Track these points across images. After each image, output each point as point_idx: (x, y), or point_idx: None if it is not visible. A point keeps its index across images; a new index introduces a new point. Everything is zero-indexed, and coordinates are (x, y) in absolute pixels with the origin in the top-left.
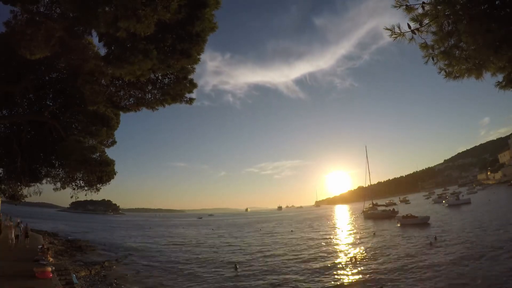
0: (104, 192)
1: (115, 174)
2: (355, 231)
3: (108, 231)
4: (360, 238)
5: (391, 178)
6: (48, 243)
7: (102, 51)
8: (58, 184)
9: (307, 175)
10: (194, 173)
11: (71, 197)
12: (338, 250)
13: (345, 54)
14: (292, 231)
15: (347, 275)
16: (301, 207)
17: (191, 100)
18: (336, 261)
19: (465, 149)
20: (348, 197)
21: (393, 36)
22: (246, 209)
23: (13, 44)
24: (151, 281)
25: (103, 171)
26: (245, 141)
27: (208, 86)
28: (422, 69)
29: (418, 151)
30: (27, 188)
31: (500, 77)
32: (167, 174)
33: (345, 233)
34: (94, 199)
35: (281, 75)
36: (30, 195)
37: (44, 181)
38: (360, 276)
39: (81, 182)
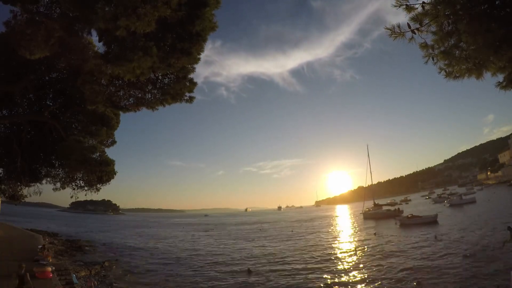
0: (104, 192)
1: (115, 174)
2: (356, 233)
3: (108, 231)
4: (362, 241)
5: (391, 178)
6: (48, 243)
7: (102, 51)
8: (58, 184)
9: (307, 175)
10: (191, 172)
11: (71, 197)
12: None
13: (345, 42)
14: (292, 231)
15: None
16: (301, 207)
17: (191, 99)
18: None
19: (467, 148)
20: (348, 197)
21: (393, 36)
22: (246, 209)
23: (13, 44)
24: (151, 281)
25: (103, 171)
26: (242, 138)
27: (199, 78)
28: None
29: (418, 151)
30: (27, 188)
31: (500, 77)
32: (163, 172)
33: (348, 236)
34: (94, 199)
35: (276, 65)
36: (30, 195)
37: (44, 181)
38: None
39: (81, 182)
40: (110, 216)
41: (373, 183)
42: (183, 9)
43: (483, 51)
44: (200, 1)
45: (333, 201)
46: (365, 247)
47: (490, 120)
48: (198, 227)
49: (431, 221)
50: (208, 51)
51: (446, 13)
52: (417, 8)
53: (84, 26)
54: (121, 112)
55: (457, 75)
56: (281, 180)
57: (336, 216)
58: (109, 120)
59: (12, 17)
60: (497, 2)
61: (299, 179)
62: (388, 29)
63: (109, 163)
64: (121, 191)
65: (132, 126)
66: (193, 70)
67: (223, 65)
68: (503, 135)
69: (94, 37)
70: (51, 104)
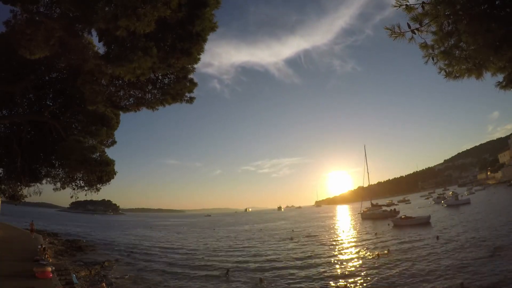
0: (104, 192)
1: (115, 174)
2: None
3: (108, 231)
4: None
5: (391, 178)
6: (48, 243)
7: (102, 51)
8: (58, 184)
9: (306, 174)
10: (188, 171)
11: (71, 197)
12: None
13: (345, 27)
14: (292, 230)
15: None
16: (300, 207)
17: (191, 99)
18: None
19: (470, 147)
20: (348, 197)
21: (393, 36)
22: (246, 210)
23: (13, 44)
24: (151, 281)
25: (103, 171)
26: (238, 136)
27: None
28: None
29: (418, 151)
30: (27, 188)
31: (500, 77)
32: (159, 171)
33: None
34: (94, 199)
35: (271, 54)
36: (30, 195)
37: (44, 181)
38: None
39: (81, 182)
40: (110, 216)
41: (373, 183)
42: (183, 9)
43: (483, 51)
44: (200, 1)
45: (333, 201)
46: (362, 247)
47: (495, 117)
48: (204, 229)
49: (424, 222)
50: None
51: (446, 13)
52: (417, 8)
53: (84, 26)
54: (121, 112)
55: (457, 75)
56: (280, 180)
57: (335, 216)
58: (109, 120)
59: (12, 17)
60: (497, 2)
61: (299, 178)
62: (388, 29)
63: (109, 163)
64: (121, 191)
65: (126, 125)
66: (193, 70)
67: (214, 54)
68: (508, 133)
69: (94, 37)
70: (51, 104)
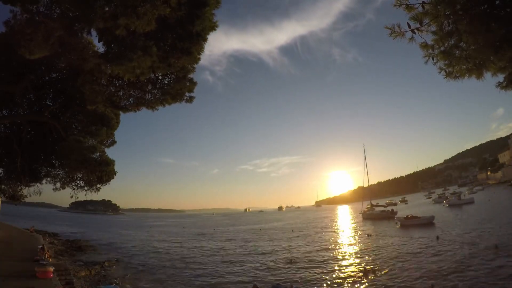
0: (104, 192)
1: (115, 174)
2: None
3: (108, 231)
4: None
5: (391, 178)
6: (48, 243)
7: (102, 51)
8: (58, 184)
9: (306, 173)
10: (184, 170)
11: (71, 197)
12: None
13: (344, 11)
14: (293, 230)
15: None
16: (299, 207)
17: (191, 99)
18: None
19: (471, 146)
20: (348, 197)
21: (393, 35)
22: (246, 210)
23: (13, 44)
24: (151, 281)
25: (103, 171)
26: (234, 133)
27: None
28: None
29: (418, 151)
30: (27, 188)
31: (501, 77)
32: (155, 170)
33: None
34: (94, 199)
35: (264, 41)
36: (30, 195)
37: (44, 181)
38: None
39: (81, 182)
40: (110, 216)
41: (373, 183)
42: (183, 8)
43: (484, 51)
44: (200, 0)
45: (333, 201)
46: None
47: (499, 115)
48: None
49: (428, 222)
50: None
51: (446, 13)
52: (417, 7)
53: (84, 26)
54: (121, 112)
55: (457, 75)
56: (279, 179)
57: (337, 217)
58: (109, 120)
59: (12, 17)
60: (497, 2)
61: (299, 178)
62: (388, 28)
63: (109, 163)
64: (121, 191)
65: (122, 124)
66: (193, 69)
67: None
68: (510, 132)
69: (94, 37)
70: (51, 104)
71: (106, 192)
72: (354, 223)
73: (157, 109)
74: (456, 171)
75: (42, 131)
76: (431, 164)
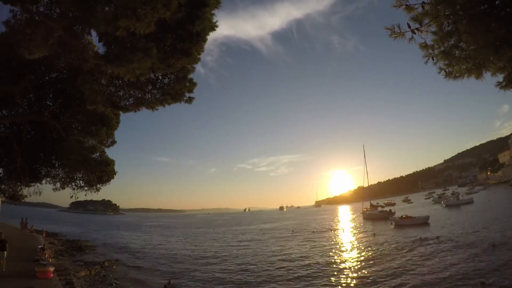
0: (104, 192)
1: (115, 174)
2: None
3: (108, 231)
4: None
5: (391, 177)
6: (48, 243)
7: (102, 51)
8: (58, 184)
9: (306, 172)
10: (180, 169)
11: (71, 197)
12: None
13: None
14: (292, 231)
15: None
16: (299, 207)
17: (190, 99)
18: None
19: (474, 145)
20: (349, 197)
21: (392, 35)
22: (245, 210)
23: (13, 44)
24: (151, 281)
25: (103, 171)
26: (230, 131)
27: None
28: None
29: (418, 151)
30: (27, 188)
31: (500, 77)
32: (150, 169)
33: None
34: (94, 199)
35: (256, 25)
36: (30, 195)
37: (44, 181)
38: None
39: (81, 182)
40: (110, 216)
41: (373, 183)
42: (183, 9)
43: (483, 51)
44: (200, 1)
45: (333, 201)
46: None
47: (504, 111)
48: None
49: (423, 222)
50: None
51: (446, 13)
52: (417, 8)
53: (84, 26)
54: (121, 112)
55: (457, 75)
56: (279, 179)
57: (337, 217)
58: (109, 120)
59: (12, 17)
60: (497, 2)
61: (298, 177)
62: (388, 28)
63: (109, 163)
64: (120, 190)
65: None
66: (193, 70)
67: None
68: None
69: (94, 37)
70: (51, 104)
71: (106, 192)
72: (354, 223)
73: (157, 109)
74: (456, 171)
75: (42, 131)
76: (431, 164)
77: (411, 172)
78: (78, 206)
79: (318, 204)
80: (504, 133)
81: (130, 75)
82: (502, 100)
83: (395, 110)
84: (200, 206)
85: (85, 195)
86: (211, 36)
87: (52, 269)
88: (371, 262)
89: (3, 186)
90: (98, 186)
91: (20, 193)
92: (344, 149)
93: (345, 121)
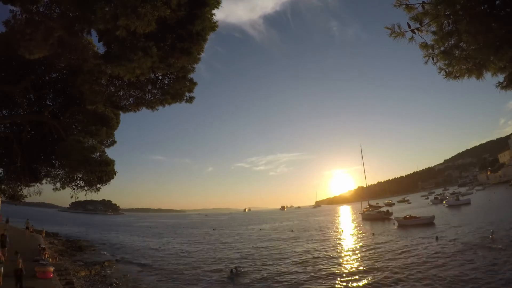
0: (104, 192)
1: (115, 174)
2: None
3: (108, 231)
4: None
5: (391, 177)
6: (48, 243)
7: (102, 51)
8: (58, 184)
9: (306, 172)
10: (177, 168)
11: (71, 197)
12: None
13: None
14: (292, 231)
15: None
16: (299, 207)
17: (191, 99)
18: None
19: (478, 144)
20: (349, 197)
21: (392, 35)
22: (245, 210)
23: (13, 44)
24: (151, 281)
25: (103, 171)
26: (227, 128)
27: None
28: None
29: (418, 151)
30: (27, 188)
31: (501, 77)
32: (147, 168)
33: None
34: (94, 199)
35: (246, 7)
36: (30, 195)
37: (44, 181)
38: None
39: (81, 182)
40: (110, 216)
41: (373, 183)
42: (183, 9)
43: (484, 51)
44: (200, 1)
45: (333, 201)
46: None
47: (510, 108)
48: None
49: (428, 222)
50: None
51: (446, 13)
52: (417, 7)
53: (83, 26)
54: (121, 112)
55: (457, 75)
56: (278, 178)
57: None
58: (109, 120)
59: (12, 17)
60: (497, 2)
61: (298, 177)
62: (388, 28)
63: (109, 163)
64: (120, 190)
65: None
66: (193, 70)
67: None
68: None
69: (94, 37)
70: (51, 104)
71: (106, 192)
72: (354, 223)
73: (157, 109)
74: (456, 171)
75: (42, 131)
76: (431, 164)
77: (411, 172)
78: (78, 206)
79: (318, 204)
80: (508, 131)
81: (130, 74)
82: (507, 98)
83: (396, 108)
84: (200, 206)
85: (85, 195)
86: None
87: (52, 269)
88: (369, 264)
89: (3, 186)
90: (98, 186)
91: (20, 193)
92: (345, 147)
93: (345, 119)
